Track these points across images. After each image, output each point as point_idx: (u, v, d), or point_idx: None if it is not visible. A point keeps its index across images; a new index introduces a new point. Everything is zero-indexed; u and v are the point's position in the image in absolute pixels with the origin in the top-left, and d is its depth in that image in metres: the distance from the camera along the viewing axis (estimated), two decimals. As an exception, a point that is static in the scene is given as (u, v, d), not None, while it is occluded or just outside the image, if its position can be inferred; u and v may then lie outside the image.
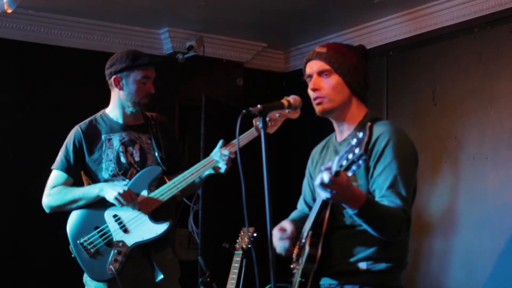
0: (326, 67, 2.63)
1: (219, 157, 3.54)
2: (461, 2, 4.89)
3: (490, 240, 4.62)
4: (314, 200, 2.82)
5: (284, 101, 2.63)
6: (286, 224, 2.69)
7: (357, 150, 2.05)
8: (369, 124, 2.06)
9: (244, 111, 2.49)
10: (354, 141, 2.08)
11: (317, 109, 2.67)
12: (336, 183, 2.20)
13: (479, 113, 4.76)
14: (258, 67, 6.50)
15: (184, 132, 6.14)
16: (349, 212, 2.39)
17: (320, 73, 2.64)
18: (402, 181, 2.48)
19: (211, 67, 6.14)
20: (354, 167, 2.08)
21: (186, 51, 5.87)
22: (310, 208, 2.85)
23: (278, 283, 2.42)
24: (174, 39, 5.90)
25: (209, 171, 3.60)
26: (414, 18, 5.24)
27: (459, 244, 4.84)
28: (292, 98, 2.66)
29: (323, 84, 2.64)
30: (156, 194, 3.57)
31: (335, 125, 2.74)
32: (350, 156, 2.07)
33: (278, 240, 2.67)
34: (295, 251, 2.68)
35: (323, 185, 2.21)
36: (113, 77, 3.63)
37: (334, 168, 2.16)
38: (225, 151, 3.53)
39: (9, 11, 4.56)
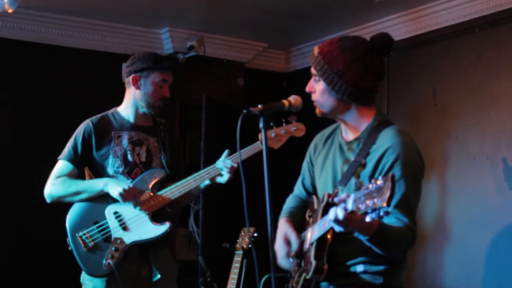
0: (314, 72, 2.62)
1: (222, 165, 3.58)
2: (461, 2, 4.89)
3: (490, 240, 4.62)
4: (313, 185, 2.82)
5: (285, 101, 2.62)
6: (292, 236, 2.67)
7: (378, 201, 2.02)
8: (391, 175, 2.04)
9: (244, 111, 2.49)
10: (374, 187, 2.06)
11: (316, 111, 2.68)
12: (351, 219, 2.22)
13: (479, 113, 4.76)
14: (258, 67, 6.51)
15: (184, 132, 6.14)
16: (360, 237, 2.40)
17: (314, 76, 2.64)
18: (410, 199, 2.48)
19: (212, 67, 6.14)
20: (373, 215, 2.07)
21: (187, 51, 5.87)
22: (307, 192, 2.86)
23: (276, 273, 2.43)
24: (175, 39, 5.90)
25: (207, 181, 3.62)
26: (414, 18, 5.24)
27: (458, 244, 4.84)
28: (293, 98, 2.65)
29: (315, 88, 2.63)
30: (163, 192, 3.59)
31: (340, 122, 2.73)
32: (370, 203, 2.05)
33: (284, 257, 2.67)
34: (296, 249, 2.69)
35: (337, 221, 2.23)
36: (132, 75, 3.65)
37: (350, 207, 2.15)
38: (228, 161, 3.58)
39: (10, 11, 4.55)
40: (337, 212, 2.19)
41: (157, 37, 5.95)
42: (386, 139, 2.51)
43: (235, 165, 3.56)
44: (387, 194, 2.00)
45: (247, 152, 3.56)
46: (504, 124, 4.60)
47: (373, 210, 2.05)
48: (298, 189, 2.94)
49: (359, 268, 2.53)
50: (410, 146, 2.53)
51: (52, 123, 5.40)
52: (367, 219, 2.08)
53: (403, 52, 5.34)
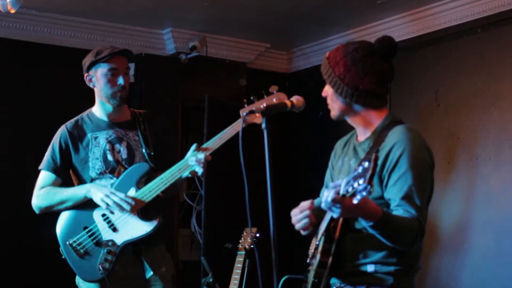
0: (324, 76, 2.67)
1: (194, 161, 3.49)
2: (464, 2, 4.89)
3: (493, 241, 4.61)
4: None
5: (287, 101, 2.64)
6: (305, 202, 2.67)
7: (361, 181, 2.08)
8: (374, 155, 2.08)
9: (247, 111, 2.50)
10: (361, 169, 2.10)
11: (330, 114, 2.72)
12: (342, 203, 2.24)
13: (482, 114, 4.76)
14: (261, 67, 6.51)
15: (187, 132, 6.14)
16: (363, 223, 2.41)
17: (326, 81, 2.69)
18: (417, 191, 2.49)
19: (214, 67, 6.14)
20: (359, 196, 2.10)
21: (189, 51, 5.87)
22: None
23: (294, 275, 2.44)
24: (177, 40, 5.90)
25: (187, 174, 3.55)
26: (417, 18, 5.24)
27: (461, 245, 4.83)
28: (296, 99, 2.67)
29: (328, 93, 2.68)
30: (139, 194, 3.53)
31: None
32: (356, 185, 2.11)
33: (296, 219, 2.62)
34: (311, 248, 2.71)
35: (328, 206, 2.25)
36: (84, 75, 3.65)
37: (342, 191, 2.20)
38: (200, 155, 3.49)
39: (12, 11, 4.56)
40: (328, 194, 2.23)
41: (160, 37, 5.96)
42: (394, 136, 2.55)
43: (209, 158, 3.48)
44: (369, 173, 2.05)
45: (229, 131, 3.48)
46: (507, 125, 4.59)
47: (359, 191, 2.09)
48: (322, 195, 2.95)
49: (370, 268, 2.54)
50: (417, 141, 2.57)
51: (54, 123, 5.36)
52: (354, 201, 2.12)
53: (405, 53, 5.33)
